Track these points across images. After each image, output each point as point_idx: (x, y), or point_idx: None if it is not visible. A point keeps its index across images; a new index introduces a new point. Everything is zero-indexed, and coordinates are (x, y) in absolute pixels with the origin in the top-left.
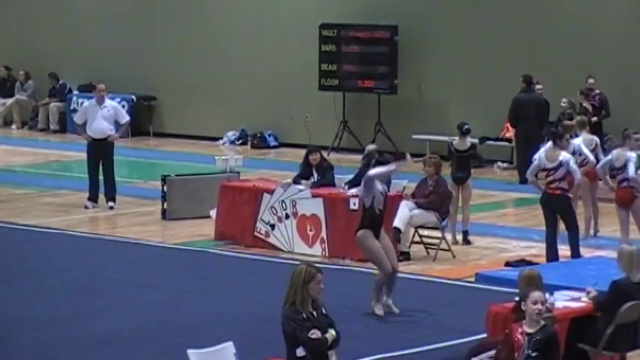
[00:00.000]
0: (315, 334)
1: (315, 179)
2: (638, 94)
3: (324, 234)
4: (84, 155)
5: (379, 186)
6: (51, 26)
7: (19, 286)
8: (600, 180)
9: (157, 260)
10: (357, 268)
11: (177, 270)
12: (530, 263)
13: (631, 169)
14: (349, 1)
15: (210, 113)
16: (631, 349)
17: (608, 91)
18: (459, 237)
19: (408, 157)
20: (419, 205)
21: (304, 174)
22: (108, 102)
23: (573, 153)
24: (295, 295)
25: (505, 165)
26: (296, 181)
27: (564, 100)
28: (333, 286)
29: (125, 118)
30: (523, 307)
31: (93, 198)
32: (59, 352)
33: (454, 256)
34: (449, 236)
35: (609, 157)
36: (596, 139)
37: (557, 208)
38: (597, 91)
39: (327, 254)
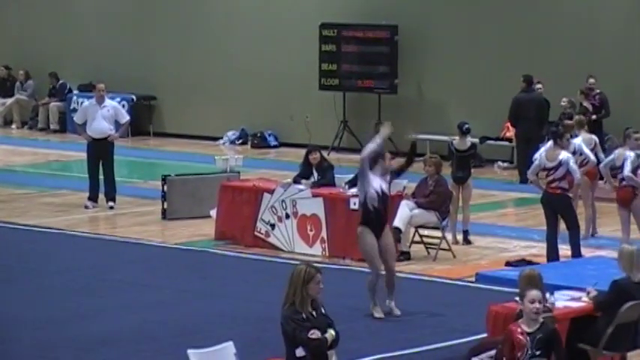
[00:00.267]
0: (314, 334)
1: (316, 179)
2: (638, 94)
3: (324, 234)
4: (84, 155)
5: (375, 183)
6: (51, 26)
7: (19, 286)
8: (601, 180)
9: (157, 260)
10: (357, 268)
11: (177, 270)
12: (530, 263)
13: (627, 168)
14: (349, 0)
15: (210, 113)
16: (631, 348)
17: (608, 91)
18: (460, 237)
19: (387, 125)
20: (419, 205)
21: (304, 174)
22: (108, 102)
23: (574, 153)
24: (295, 296)
25: (505, 165)
26: (296, 181)
27: (564, 99)
28: (334, 285)
29: (125, 118)
30: (520, 307)
31: (93, 198)
32: (59, 352)
33: (454, 256)
34: (449, 236)
35: (612, 156)
36: (595, 138)
37: (558, 207)
38: (597, 91)
39: (327, 254)
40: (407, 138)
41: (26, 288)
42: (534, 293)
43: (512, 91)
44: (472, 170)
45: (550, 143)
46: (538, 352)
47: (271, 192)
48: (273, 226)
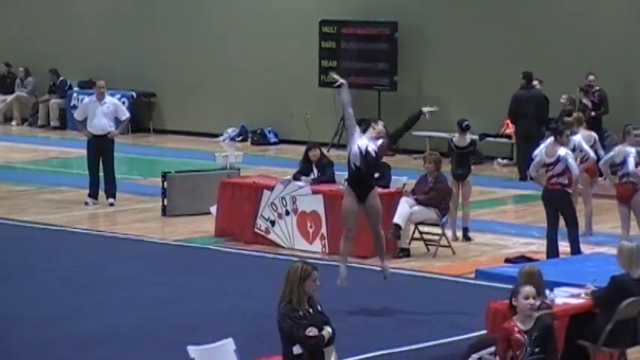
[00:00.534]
0: (312, 332)
1: (315, 176)
2: (638, 91)
3: (324, 230)
4: (84, 152)
5: (361, 142)
6: (51, 23)
7: (18, 284)
8: (600, 176)
9: (157, 257)
10: (357, 265)
11: (177, 267)
12: (529, 260)
13: (631, 164)
14: None
15: (210, 110)
16: (631, 345)
17: (608, 88)
18: (459, 233)
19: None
20: (419, 202)
21: (304, 170)
22: (108, 98)
23: (574, 149)
24: (292, 293)
25: (505, 162)
26: (296, 178)
27: (564, 96)
28: (334, 282)
29: (125, 115)
30: (514, 303)
31: (93, 194)
32: (59, 349)
33: (454, 253)
34: (449, 233)
35: (612, 153)
36: (594, 134)
37: (557, 203)
38: (597, 88)
39: (327, 251)
40: (423, 110)
41: (25, 285)
42: (528, 289)
43: (511, 88)
44: (472, 167)
45: (550, 139)
46: (537, 350)
47: (271, 189)
48: (273, 222)
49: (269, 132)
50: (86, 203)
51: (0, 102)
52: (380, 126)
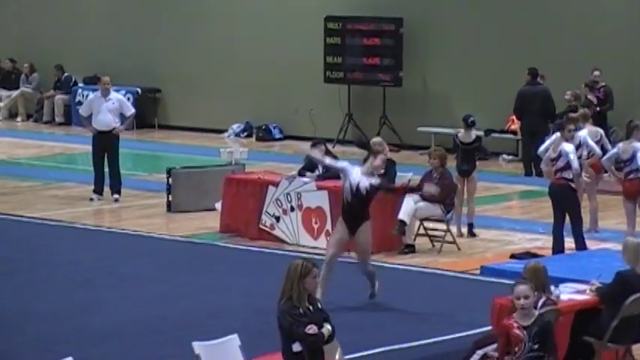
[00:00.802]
0: (311, 329)
1: (320, 172)
2: None
3: (329, 226)
4: (89, 148)
5: (353, 177)
6: (56, 19)
7: (23, 279)
8: (606, 172)
9: (161, 253)
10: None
11: (181, 263)
12: (535, 256)
13: None
14: None
15: (215, 106)
16: (636, 341)
17: (613, 84)
18: (464, 229)
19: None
20: (424, 198)
21: (309, 166)
22: (113, 94)
23: (579, 145)
24: (292, 290)
25: (510, 157)
26: (301, 174)
27: (569, 92)
28: (338, 278)
29: (130, 111)
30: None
31: (98, 190)
32: (63, 345)
33: (459, 249)
34: (454, 229)
35: (615, 150)
36: (600, 130)
37: (561, 198)
38: (602, 84)
39: None
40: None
41: (30, 281)
42: (519, 289)
43: (517, 84)
44: (477, 163)
45: (557, 134)
46: (536, 346)
47: (276, 185)
48: (278, 218)
49: (274, 128)
50: (91, 199)
51: (5, 98)
52: (379, 161)
